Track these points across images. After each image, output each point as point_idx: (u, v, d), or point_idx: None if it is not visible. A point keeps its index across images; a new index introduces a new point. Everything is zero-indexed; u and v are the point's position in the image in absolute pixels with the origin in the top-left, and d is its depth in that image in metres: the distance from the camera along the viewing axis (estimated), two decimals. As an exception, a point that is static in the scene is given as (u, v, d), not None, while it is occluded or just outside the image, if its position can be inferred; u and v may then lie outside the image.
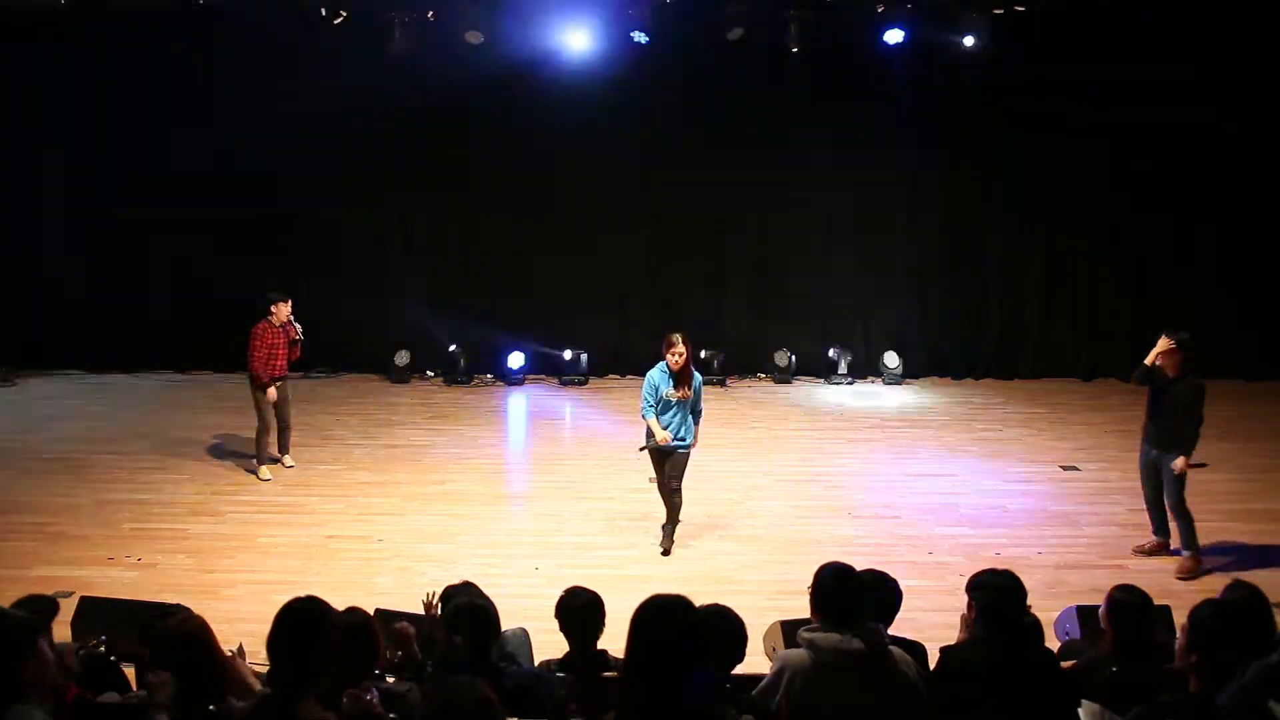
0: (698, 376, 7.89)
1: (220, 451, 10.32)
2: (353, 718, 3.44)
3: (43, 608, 4.27)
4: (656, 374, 7.82)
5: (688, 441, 7.85)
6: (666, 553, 7.97)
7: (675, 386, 7.74)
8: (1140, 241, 13.00)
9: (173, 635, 3.67)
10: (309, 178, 13.01)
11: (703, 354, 13.08)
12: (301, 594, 3.42)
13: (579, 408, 12.21)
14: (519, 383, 13.17)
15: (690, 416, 7.86)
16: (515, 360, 13.17)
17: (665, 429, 7.74)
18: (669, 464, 7.87)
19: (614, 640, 4.69)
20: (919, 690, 3.84)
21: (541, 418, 12.00)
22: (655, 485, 8.17)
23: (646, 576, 7.51)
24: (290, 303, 9.51)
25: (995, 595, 4.01)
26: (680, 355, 7.67)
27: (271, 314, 9.39)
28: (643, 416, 7.88)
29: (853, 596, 3.92)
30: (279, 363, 9.47)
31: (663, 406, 7.78)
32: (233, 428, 10.88)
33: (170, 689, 3.71)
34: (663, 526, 8.06)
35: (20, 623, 3.29)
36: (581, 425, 11.55)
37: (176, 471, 9.75)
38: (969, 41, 11.57)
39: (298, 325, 9.55)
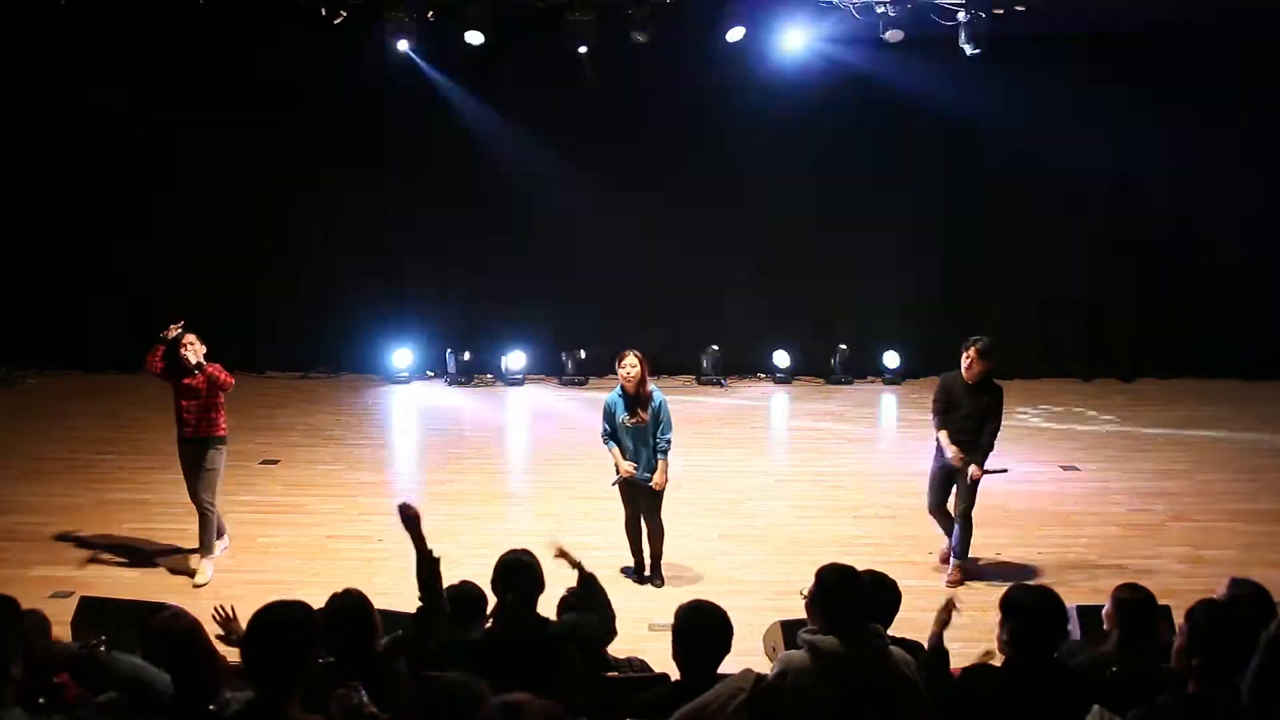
0: (658, 397, 7.17)
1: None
2: (341, 718, 3.43)
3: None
4: (613, 398, 7.21)
5: (650, 476, 7.16)
6: (660, 584, 7.46)
7: (629, 412, 7.09)
8: (1140, 241, 13.00)
9: (164, 634, 3.66)
10: (310, 177, 13.05)
11: (716, 348, 13.11)
12: (303, 597, 3.43)
13: (578, 408, 12.21)
14: (519, 383, 13.17)
15: (653, 446, 7.14)
16: (515, 360, 13.17)
17: (627, 460, 7.18)
18: (642, 498, 7.31)
19: (613, 640, 4.72)
20: (919, 690, 3.83)
21: (541, 418, 11.99)
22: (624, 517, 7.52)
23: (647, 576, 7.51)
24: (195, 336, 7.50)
25: (1030, 623, 3.73)
26: (632, 370, 7.02)
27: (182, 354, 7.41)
28: (605, 445, 7.29)
29: (855, 598, 3.92)
30: (183, 422, 7.57)
31: (622, 435, 7.18)
32: (232, 427, 10.85)
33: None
34: (636, 565, 7.52)
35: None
36: (581, 425, 11.54)
37: (176, 471, 9.64)
38: (969, 43, 11.55)
39: (191, 358, 7.46)
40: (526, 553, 4.50)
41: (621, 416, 7.16)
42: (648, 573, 7.52)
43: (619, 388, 7.22)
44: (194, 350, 7.46)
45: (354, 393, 12.69)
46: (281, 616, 3.32)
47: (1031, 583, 4.01)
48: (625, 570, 7.60)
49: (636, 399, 7.11)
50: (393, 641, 4.09)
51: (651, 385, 7.26)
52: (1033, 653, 3.74)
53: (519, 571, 4.38)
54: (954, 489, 7.50)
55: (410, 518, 4.24)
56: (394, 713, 3.47)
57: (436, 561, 4.20)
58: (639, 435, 7.15)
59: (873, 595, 4.14)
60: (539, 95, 12.60)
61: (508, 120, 12.74)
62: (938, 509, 7.65)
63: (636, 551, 7.56)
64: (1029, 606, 3.80)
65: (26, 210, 12.99)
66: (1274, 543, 8.15)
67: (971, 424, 7.39)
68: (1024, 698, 3.72)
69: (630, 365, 7.07)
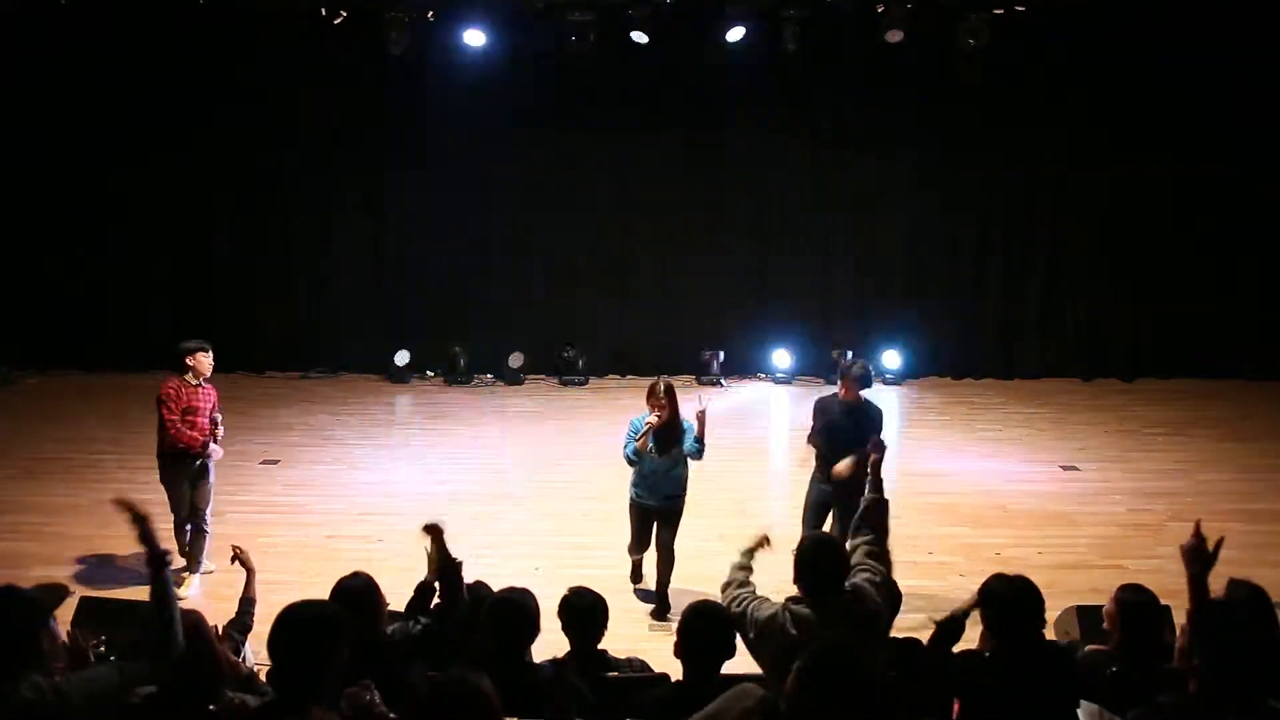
0: (689, 429, 6.75)
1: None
2: (353, 718, 3.43)
3: (53, 592, 4.34)
4: (640, 421, 6.82)
5: (668, 497, 6.87)
6: (665, 613, 7.03)
7: (658, 445, 6.70)
8: (1140, 241, 13.00)
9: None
10: (310, 176, 13.06)
11: (705, 354, 13.12)
12: (303, 597, 3.42)
13: (579, 408, 12.21)
14: (519, 383, 13.16)
15: (674, 477, 6.87)
16: (515, 360, 13.17)
17: (642, 484, 6.88)
18: (657, 522, 6.97)
19: (613, 640, 4.71)
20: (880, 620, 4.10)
21: (541, 418, 11.99)
22: (628, 549, 7.27)
23: (647, 577, 7.50)
24: (211, 354, 7.43)
25: (1004, 609, 3.92)
26: (659, 405, 6.65)
27: (189, 369, 7.28)
28: (625, 454, 6.88)
29: (831, 565, 4.09)
30: (197, 433, 7.34)
31: (644, 459, 6.80)
32: (232, 428, 10.86)
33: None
34: (634, 568, 7.37)
35: (36, 598, 3.52)
36: (581, 425, 11.54)
37: (176, 471, 9.71)
38: (968, 42, 11.55)
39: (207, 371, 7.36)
40: (524, 593, 4.29)
41: (651, 449, 6.76)
42: (650, 586, 7.29)
43: (644, 417, 6.79)
44: (208, 365, 7.41)
45: (354, 393, 12.67)
46: (304, 615, 3.31)
47: (1016, 576, 4.04)
48: (638, 595, 7.46)
49: (668, 433, 6.74)
50: (407, 635, 4.09)
51: (683, 419, 6.84)
52: (1014, 637, 3.86)
53: (504, 613, 4.16)
54: (830, 516, 7.00)
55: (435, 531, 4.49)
56: (404, 710, 3.47)
57: (459, 565, 4.44)
58: (657, 464, 6.82)
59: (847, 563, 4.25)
60: (539, 94, 12.59)
61: (508, 120, 12.73)
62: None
63: (636, 562, 7.38)
64: (998, 594, 3.96)
65: (26, 208, 12.98)
66: (1274, 543, 8.14)
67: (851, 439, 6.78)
68: (1015, 683, 3.77)
69: (658, 399, 6.68)
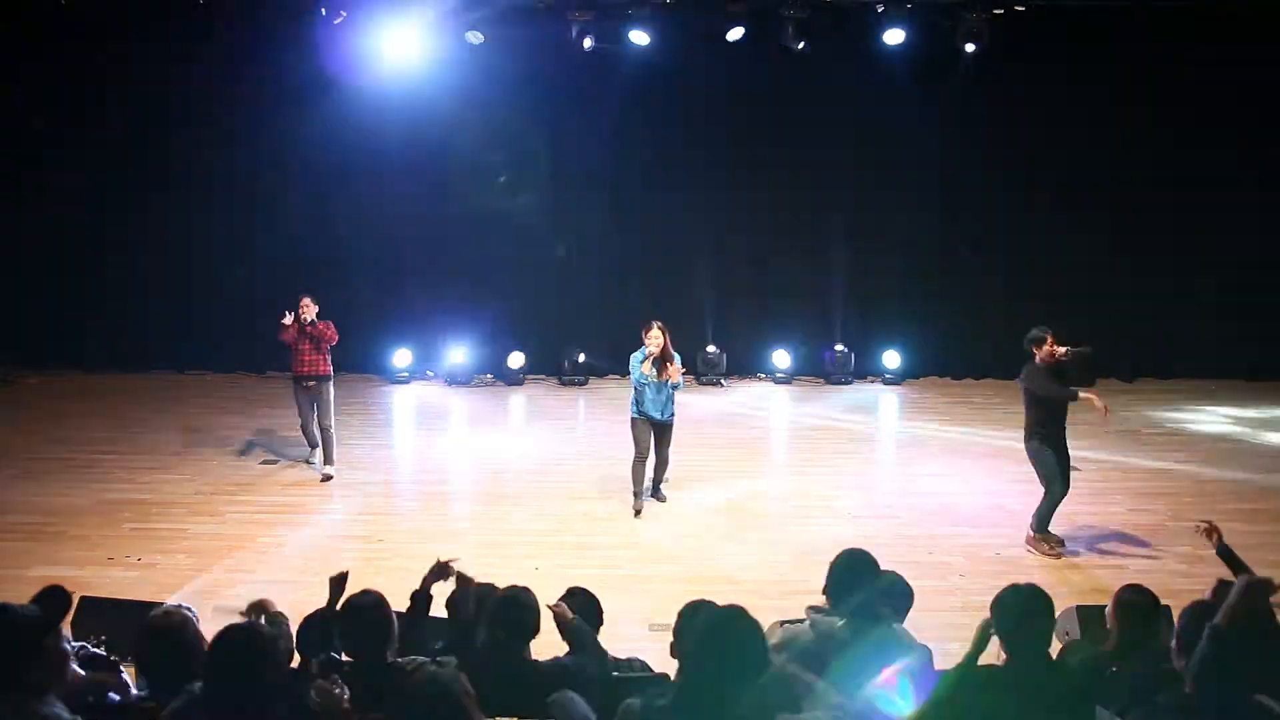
0: (677, 358, 8.60)
1: (221, 451, 10.31)
2: (320, 710, 3.42)
3: (57, 602, 4.19)
4: (640, 354, 8.53)
5: (668, 414, 8.65)
6: (663, 499, 8.92)
7: (657, 369, 8.48)
8: (1140, 241, 13.00)
9: (156, 629, 3.65)
10: (310, 177, 13.05)
11: (711, 349, 13.13)
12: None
13: (578, 408, 12.21)
14: (519, 383, 13.17)
15: (669, 394, 8.64)
16: (515, 360, 13.17)
17: (647, 404, 8.56)
18: (661, 434, 8.71)
19: (613, 640, 4.71)
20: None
21: (541, 418, 11.99)
22: (634, 461, 8.80)
23: (647, 577, 7.51)
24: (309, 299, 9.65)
25: (1016, 619, 3.81)
26: (655, 344, 8.40)
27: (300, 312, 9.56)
28: (634, 380, 8.56)
29: (860, 581, 4.03)
30: (301, 363, 9.69)
31: (646, 385, 8.52)
32: (233, 427, 10.90)
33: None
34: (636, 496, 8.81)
35: (30, 620, 3.32)
36: (580, 425, 11.55)
37: (176, 471, 9.75)
38: (969, 43, 11.54)
39: (307, 316, 9.59)
40: (527, 592, 4.33)
41: (652, 371, 8.45)
42: (646, 498, 8.83)
43: (645, 349, 8.45)
44: (309, 310, 9.56)
45: (354, 393, 12.68)
46: (236, 640, 3.24)
47: (1023, 581, 4.00)
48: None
49: (662, 359, 8.45)
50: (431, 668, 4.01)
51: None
52: (1023, 649, 3.78)
53: (516, 610, 4.22)
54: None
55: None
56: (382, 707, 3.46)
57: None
58: (660, 386, 8.54)
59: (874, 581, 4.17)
60: (539, 95, 12.59)
61: (508, 121, 12.72)
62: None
63: (638, 483, 8.72)
64: (1012, 604, 3.85)
65: (27, 211, 12.98)
66: (1274, 543, 8.13)
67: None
68: (1023, 697, 3.74)
69: (654, 339, 8.42)
